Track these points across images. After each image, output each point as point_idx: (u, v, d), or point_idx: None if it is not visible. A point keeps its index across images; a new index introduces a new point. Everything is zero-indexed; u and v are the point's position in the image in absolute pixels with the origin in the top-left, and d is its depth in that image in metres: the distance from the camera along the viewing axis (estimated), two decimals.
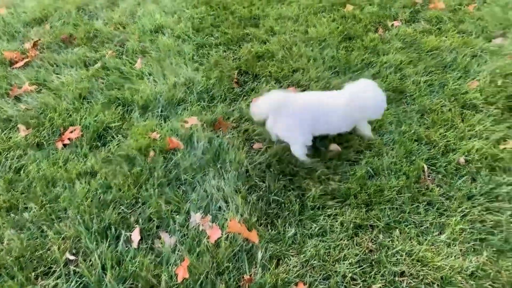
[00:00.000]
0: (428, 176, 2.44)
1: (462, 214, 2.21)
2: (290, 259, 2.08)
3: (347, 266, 2.03)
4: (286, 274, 2.01)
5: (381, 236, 2.16)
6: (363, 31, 3.64)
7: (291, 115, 2.44)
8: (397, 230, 2.17)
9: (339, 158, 2.57)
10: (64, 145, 2.77)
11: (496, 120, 2.73)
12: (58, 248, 2.14)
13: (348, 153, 2.59)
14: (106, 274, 2.02)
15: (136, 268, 2.04)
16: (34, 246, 2.16)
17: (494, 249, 2.06)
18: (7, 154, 2.71)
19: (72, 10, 4.26)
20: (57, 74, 3.41)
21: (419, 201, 2.30)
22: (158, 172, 2.54)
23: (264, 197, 2.38)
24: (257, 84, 3.17)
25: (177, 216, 2.31)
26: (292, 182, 2.48)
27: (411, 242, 2.11)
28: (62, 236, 2.21)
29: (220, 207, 2.35)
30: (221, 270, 2.04)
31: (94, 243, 2.16)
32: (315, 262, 2.05)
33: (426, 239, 2.12)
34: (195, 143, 2.72)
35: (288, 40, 3.60)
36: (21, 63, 3.53)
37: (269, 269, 2.03)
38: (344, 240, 2.15)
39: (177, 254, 2.11)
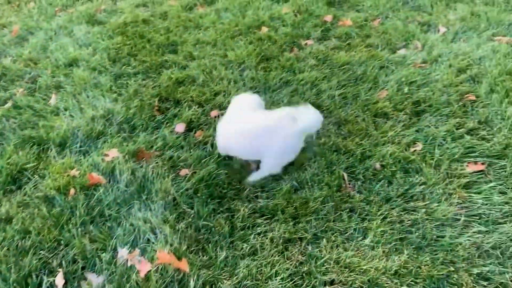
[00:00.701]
0: (349, 184, 2.55)
1: (382, 217, 2.33)
2: (223, 283, 2.06)
3: (279, 281, 2.05)
4: None
5: (309, 247, 2.21)
6: (279, 51, 3.78)
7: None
8: (324, 239, 2.24)
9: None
10: None
11: (405, 125, 2.93)
12: None
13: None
14: None
15: None
16: None
17: (414, 246, 2.19)
18: None
19: None
20: None
21: (342, 209, 2.39)
22: (80, 210, 2.43)
23: (193, 224, 2.36)
24: (179, 110, 3.16)
25: (103, 254, 2.21)
26: (221, 205, 2.48)
27: (338, 250, 2.19)
28: None
29: (148, 239, 2.29)
30: None
31: None
32: (248, 282, 2.06)
33: (351, 245, 2.20)
34: (118, 176, 2.64)
35: (207, 64, 3.65)
36: None
37: None
38: (275, 256, 2.17)
39: None
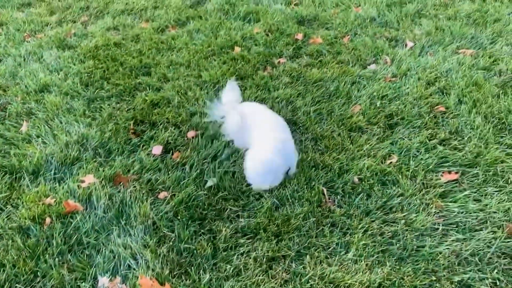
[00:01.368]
0: (329, 199, 2.57)
1: (363, 230, 2.36)
2: None
3: None
4: None
5: (293, 264, 2.21)
6: (252, 70, 3.81)
7: None
8: (307, 256, 2.24)
9: (246, 194, 2.62)
10: None
11: (380, 138, 3.00)
12: None
13: (251, 188, 2.65)
14: None
15: None
16: None
17: (395, 258, 2.22)
18: None
19: None
20: None
21: (323, 224, 2.41)
22: (57, 239, 2.36)
23: (175, 247, 2.32)
24: (155, 132, 3.14)
25: (83, 283, 2.15)
26: (202, 226, 2.45)
27: (322, 265, 2.19)
28: None
29: (129, 266, 2.24)
30: None
31: None
32: None
33: (334, 260, 2.21)
34: (95, 202, 2.58)
35: (182, 85, 3.64)
36: None
37: None
38: (259, 276, 2.16)
39: None
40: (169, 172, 2.78)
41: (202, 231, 2.42)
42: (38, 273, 2.21)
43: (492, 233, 2.31)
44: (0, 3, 5.40)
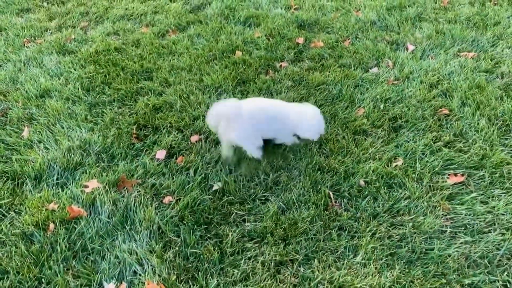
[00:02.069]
0: (335, 202, 2.56)
1: (371, 233, 2.34)
2: None
3: None
4: None
5: (301, 269, 2.19)
6: (254, 74, 3.80)
7: (245, 121, 2.65)
8: (315, 260, 2.22)
9: (252, 198, 2.60)
10: None
11: (384, 141, 2.98)
12: None
13: (257, 191, 2.63)
14: None
15: None
16: None
17: (404, 261, 2.20)
18: None
19: None
20: None
21: (331, 227, 2.39)
22: (61, 245, 2.33)
23: (181, 252, 2.29)
24: (158, 137, 3.11)
25: None
26: (208, 231, 2.43)
27: (331, 269, 2.17)
28: None
29: (135, 271, 2.21)
30: None
31: None
32: None
33: (343, 264, 2.19)
34: (99, 207, 2.55)
35: (184, 89, 3.62)
36: None
37: None
38: (267, 280, 2.13)
39: None
40: (174, 177, 2.76)
41: (208, 235, 2.40)
42: (43, 280, 2.18)
43: (500, 235, 2.30)
44: None
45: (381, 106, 3.29)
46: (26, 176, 2.79)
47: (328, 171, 2.77)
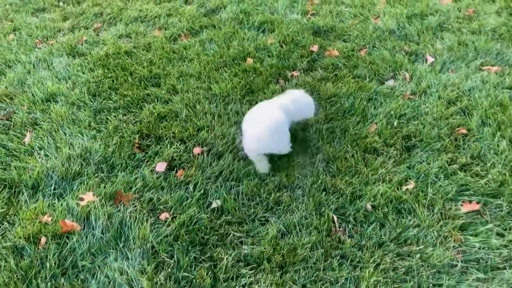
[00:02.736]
0: (339, 227, 2.41)
1: (375, 264, 2.19)
2: None
3: None
4: None
5: None
6: (264, 83, 3.67)
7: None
8: None
9: (251, 218, 2.48)
10: None
11: (396, 161, 2.82)
12: None
13: (257, 211, 2.51)
14: None
15: None
16: None
17: None
18: None
19: None
20: None
21: (332, 256, 2.25)
22: (51, 261, 2.26)
23: (173, 275, 2.19)
24: (160, 147, 3.02)
25: None
26: (203, 253, 2.32)
27: None
28: None
29: None
30: None
31: None
32: None
33: None
34: (93, 222, 2.47)
35: (191, 98, 3.53)
36: None
37: None
38: None
39: None
40: (172, 192, 2.66)
41: (203, 257, 2.29)
42: None
43: None
44: (15, 8, 5.38)
45: (395, 123, 3.12)
46: (23, 184, 2.74)
47: (334, 192, 2.62)
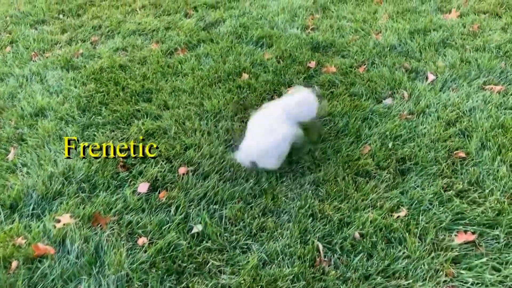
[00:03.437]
0: (324, 257, 2.28)
1: None
2: None
3: None
4: None
5: None
6: (258, 100, 3.58)
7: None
8: None
9: (232, 245, 2.36)
10: None
11: (389, 186, 2.69)
12: None
13: (239, 238, 2.39)
14: None
15: None
16: None
17: None
18: None
19: None
20: None
21: None
22: None
23: None
24: (145, 166, 2.93)
25: None
26: (179, 282, 2.21)
27: None
28: None
29: None
30: None
31: None
32: None
33: None
34: (69, 245, 2.38)
35: (181, 114, 3.44)
36: None
37: None
38: None
39: None
40: (152, 215, 2.56)
41: (178, 287, 2.17)
42: None
43: None
44: (15, 20, 5.38)
45: (390, 145, 2.99)
46: (0, 204, 2.66)
47: (322, 218, 2.50)
